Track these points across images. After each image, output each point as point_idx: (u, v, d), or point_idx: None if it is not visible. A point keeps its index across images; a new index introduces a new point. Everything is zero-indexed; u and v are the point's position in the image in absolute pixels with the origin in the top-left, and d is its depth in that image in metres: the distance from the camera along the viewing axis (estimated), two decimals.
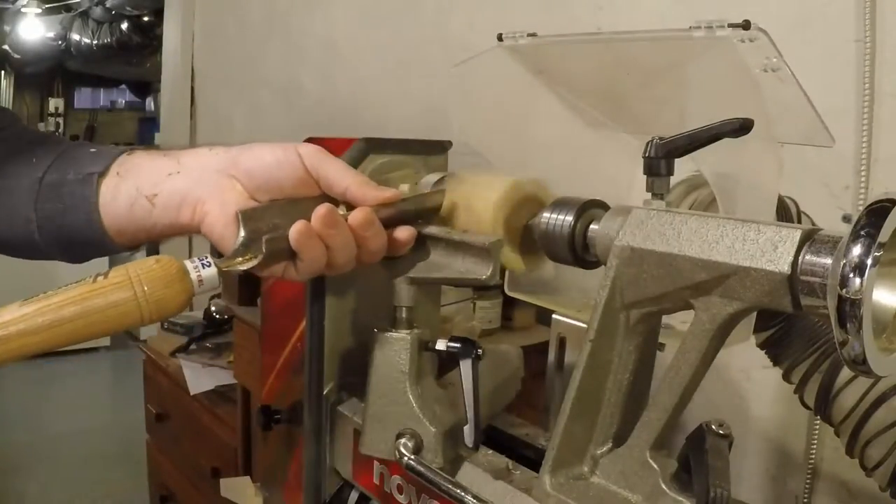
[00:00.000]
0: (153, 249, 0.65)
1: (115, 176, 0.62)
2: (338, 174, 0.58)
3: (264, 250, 0.54)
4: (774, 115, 0.56)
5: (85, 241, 0.63)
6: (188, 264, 0.53)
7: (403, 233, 0.59)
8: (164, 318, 0.54)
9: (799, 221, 0.66)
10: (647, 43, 0.61)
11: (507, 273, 0.70)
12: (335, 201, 0.58)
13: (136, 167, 0.62)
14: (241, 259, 0.54)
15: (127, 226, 0.61)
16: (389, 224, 0.58)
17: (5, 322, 0.48)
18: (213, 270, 0.54)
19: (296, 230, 0.54)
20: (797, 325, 0.63)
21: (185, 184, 0.59)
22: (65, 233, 0.63)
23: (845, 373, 0.61)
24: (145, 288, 0.50)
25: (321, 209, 0.55)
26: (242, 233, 0.54)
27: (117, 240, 0.62)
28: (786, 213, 0.65)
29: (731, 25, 0.53)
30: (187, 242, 2.93)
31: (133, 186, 0.60)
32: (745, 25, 0.52)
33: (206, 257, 0.54)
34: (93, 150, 0.65)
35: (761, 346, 0.66)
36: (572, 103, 0.71)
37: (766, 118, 0.55)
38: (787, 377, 0.66)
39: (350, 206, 0.58)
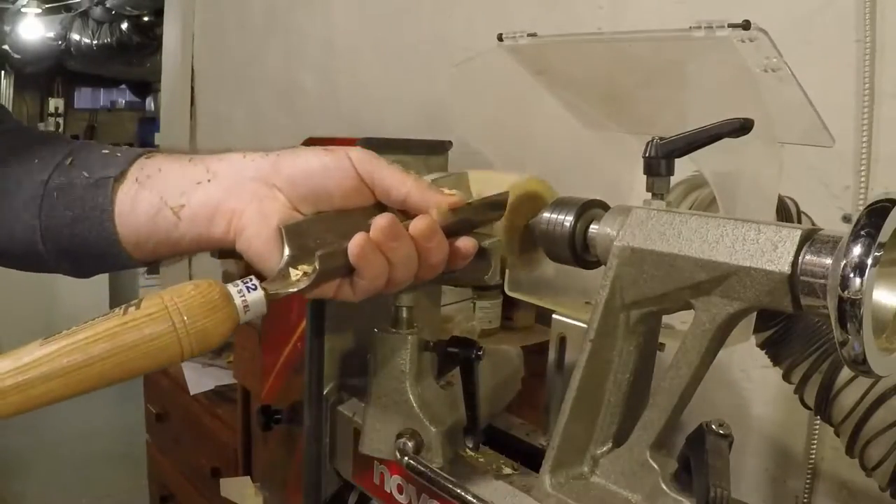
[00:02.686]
0: (153, 269, 0.60)
1: (133, 182, 0.55)
2: (396, 179, 0.52)
3: (318, 267, 0.47)
4: (774, 115, 0.56)
5: (97, 254, 0.57)
6: (231, 289, 0.46)
7: (466, 244, 0.53)
8: (205, 351, 0.45)
9: (799, 221, 0.66)
10: (647, 43, 0.61)
11: (507, 273, 0.70)
12: (384, 210, 0.52)
13: (159, 173, 0.55)
14: (290, 280, 0.48)
15: (147, 239, 0.55)
16: (450, 234, 0.53)
17: (25, 365, 0.40)
18: (259, 294, 0.46)
19: (356, 244, 0.48)
20: (797, 325, 0.63)
21: (217, 193, 0.52)
22: (74, 244, 0.57)
23: (845, 373, 0.61)
24: (185, 318, 0.43)
25: (382, 219, 0.49)
26: (287, 251, 0.49)
27: (134, 254, 0.56)
28: (786, 213, 0.65)
29: (731, 25, 0.53)
30: (186, 262, 2.94)
31: (156, 195, 0.54)
32: (746, 25, 0.52)
33: (251, 280, 0.47)
34: (105, 150, 0.59)
35: (761, 346, 0.66)
36: (572, 103, 0.71)
37: (766, 118, 0.55)
38: (787, 377, 0.66)
39: (405, 216, 0.52)
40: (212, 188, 0.53)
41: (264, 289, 0.46)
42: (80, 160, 0.58)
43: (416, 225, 0.50)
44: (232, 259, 1.65)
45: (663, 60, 0.61)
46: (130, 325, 0.42)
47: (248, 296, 0.46)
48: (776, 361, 0.66)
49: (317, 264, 0.47)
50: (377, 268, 0.49)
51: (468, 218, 0.54)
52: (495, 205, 0.58)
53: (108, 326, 0.42)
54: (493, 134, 0.72)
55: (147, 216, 0.54)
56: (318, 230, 0.50)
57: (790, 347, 0.64)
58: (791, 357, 0.64)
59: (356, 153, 0.53)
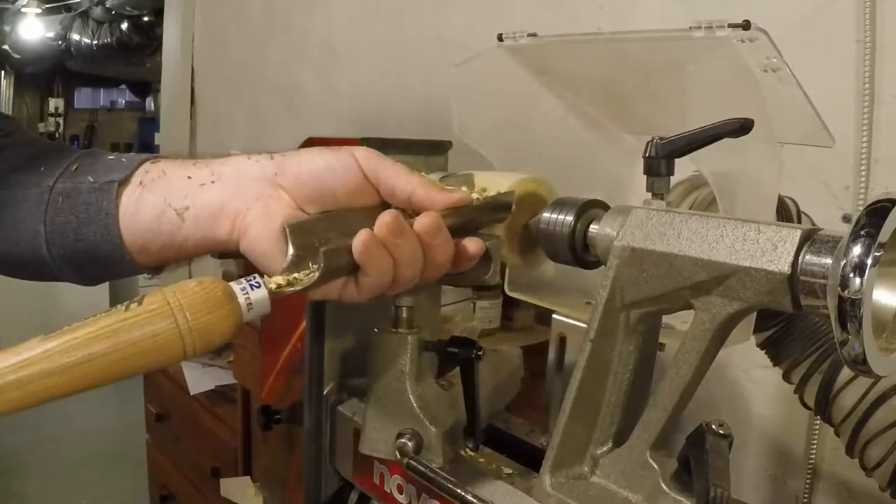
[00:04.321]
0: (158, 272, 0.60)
1: (137, 185, 0.55)
2: (401, 178, 0.52)
3: (322, 265, 0.47)
4: (774, 115, 0.56)
5: (102, 260, 0.56)
6: (235, 286, 0.45)
7: (473, 245, 0.52)
8: (208, 349, 0.44)
9: (799, 221, 0.66)
10: (647, 43, 0.61)
11: (507, 273, 0.70)
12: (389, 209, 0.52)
13: (163, 176, 0.55)
14: (294, 277, 0.47)
15: (152, 242, 0.54)
16: (455, 233, 0.52)
17: (25, 361, 0.40)
18: (262, 292, 0.45)
19: (360, 241, 0.48)
20: (797, 325, 0.63)
21: (221, 194, 0.52)
22: (79, 248, 0.56)
23: (845, 373, 0.61)
24: (188, 315, 0.42)
25: (386, 216, 0.48)
26: (291, 249, 0.48)
27: (139, 258, 0.56)
28: (786, 213, 0.65)
29: (731, 25, 0.53)
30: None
31: (160, 197, 0.54)
32: (745, 25, 0.52)
33: (255, 277, 0.46)
34: (110, 157, 0.59)
35: (761, 346, 0.66)
36: (572, 103, 0.71)
37: (766, 118, 0.55)
38: (787, 377, 0.66)
39: (412, 215, 0.52)
40: (216, 189, 0.53)
41: (268, 287, 0.46)
42: (85, 166, 0.58)
43: (421, 222, 0.50)
44: (232, 259, 1.65)
45: (663, 60, 0.61)
46: (132, 321, 0.41)
47: (252, 294, 0.45)
48: (776, 361, 0.66)
49: (321, 261, 0.47)
50: (382, 265, 0.49)
51: (473, 218, 0.54)
52: (501, 205, 0.57)
53: (109, 323, 0.41)
54: (493, 133, 0.72)
55: (151, 218, 0.54)
56: (322, 229, 0.50)
57: (790, 347, 0.64)
58: (791, 357, 0.64)
59: (361, 152, 0.53)
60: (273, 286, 0.46)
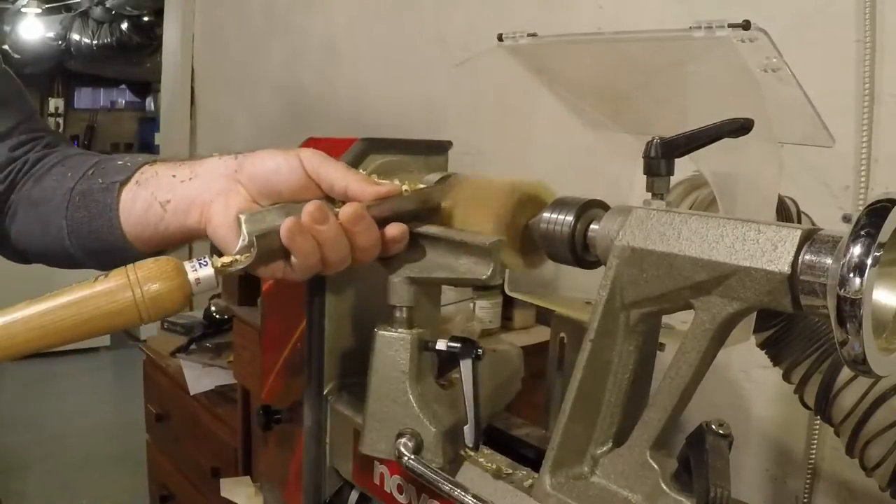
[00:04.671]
0: None
1: (134, 184, 0.65)
2: (337, 174, 0.59)
3: (256, 247, 0.55)
4: (774, 115, 0.56)
5: (109, 247, 0.66)
6: (186, 265, 0.54)
7: (394, 230, 0.59)
8: (162, 316, 0.56)
9: (799, 221, 0.66)
10: (647, 43, 0.61)
11: (507, 273, 0.70)
12: (335, 203, 0.59)
13: (155, 176, 0.65)
14: (236, 258, 0.55)
15: (143, 231, 0.64)
16: (387, 222, 0.58)
17: (12, 319, 0.51)
18: (209, 270, 0.55)
19: (285, 226, 0.55)
20: (797, 325, 0.63)
21: (195, 189, 0.62)
22: (92, 239, 0.67)
23: (845, 373, 0.61)
24: (143, 287, 0.52)
25: (310, 205, 0.55)
26: (245, 234, 0.55)
27: (136, 245, 0.65)
28: (786, 213, 0.65)
29: (731, 25, 0.53)
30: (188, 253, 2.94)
31: (150, 193, 0.64)
32: (746, 25, 0.52)
33: (204, 258, 0.55)
34: (121, 161, 0.69)
35: (761, 346, 0.66)
36: (572, 103, 0.71)
37: (766, 118, 0.55)
38: (787, 377, 0.66)
39: None
40: (192, 185, 0.62)
41: (215, 266, 0.55)
42: (99, 170, 0.69)
43: (344, 211, 0.56)
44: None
45: (663, 60, 0.61)
46: (98, 291, 0.52)
47: (200, 271, 0.54)
48: (776, 361, 0.66)
49: (255, 244, 0.55)
50: (306, 247, 0.55)
51: (401, 208, 0.59)
52: (429, 199, 0.62)
53: (81, 291, 0.52)
54: (493, 133, 0.72)
55: (142, 211, 0.64)
56: (271, 218, 0.57)
57: (790, 347, 0.64)
58: (791, 357, 0.64)
59: (306, 153, 0.60)
60: (219, 265, 0.55)
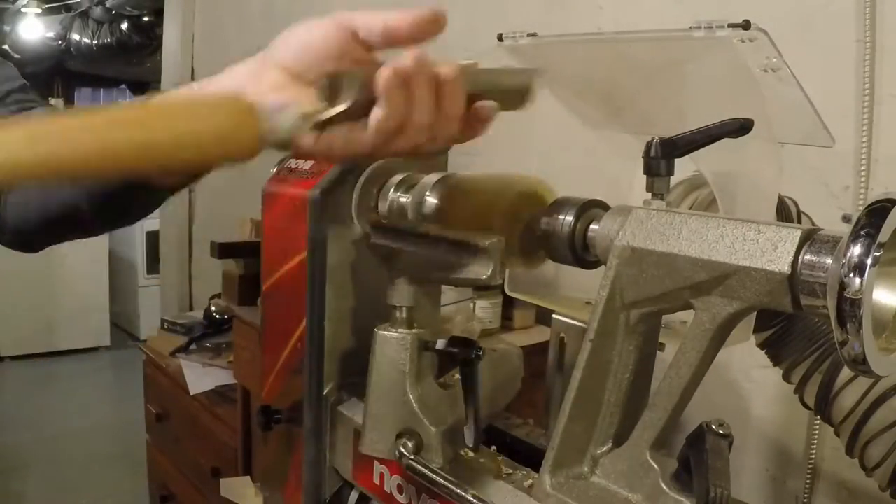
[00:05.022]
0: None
1: None
2: (370, 15, 0.53)
3: (356, 89, 0.48)
4: (774, 115, 0.56)
5: (124, 187, 0.62)
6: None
7: (485, 105, 0.53)
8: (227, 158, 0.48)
9: (799, 221, 0.66)
10: (646, 43, 0.61)
11: (507, 273, 0.70)
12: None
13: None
14: (325, 105, 0.48)
15: None
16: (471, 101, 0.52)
17: (45, 131, 0.43)
18: (292, 114, 0.48)
19: (384, 71, 0.48)
20: (797, 325, 0.63)
21: (216, 87, 0.54)
22: (112, 186, 0.63)
23: (845, 373, 0.61)
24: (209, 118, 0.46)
25: (410, 53, 0.49)
26: (327, 82, 0.50)
27: (154, 180, 0.60)
28: (786, 212, 0.65)
29: (731, 25, 0.53)
30: (186, 262, 2.93)
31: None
32: (746, 25, 0.52)
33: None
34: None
35: (761, 345, 0.66)
36: (573, 103, 0.71)
37: (766, 118, 0.55)
38: (787, 377, 0.66)
39: None
40: (210, 86, 0.54)
41: (302, 113, 0.48)
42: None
43: (441, 66, 0.50)
44: (232, 259, 1.65)
45: (663, 60, 0.61)
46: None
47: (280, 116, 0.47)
48: (776, 361, 0.66)
49: (354, 87, 0.48)
50: (398, 101, 0.49)
51: (488, 82, 0.54)
52: (518, 76, 0.56)
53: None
54: (492, 133, 0.72)
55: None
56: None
57: (790, 347, 0.64)
58: (791, 357, 0.64)
59: (337, 15, 0.53)
60: (310, 112, 0.48)
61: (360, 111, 0.49)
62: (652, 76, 0.64)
